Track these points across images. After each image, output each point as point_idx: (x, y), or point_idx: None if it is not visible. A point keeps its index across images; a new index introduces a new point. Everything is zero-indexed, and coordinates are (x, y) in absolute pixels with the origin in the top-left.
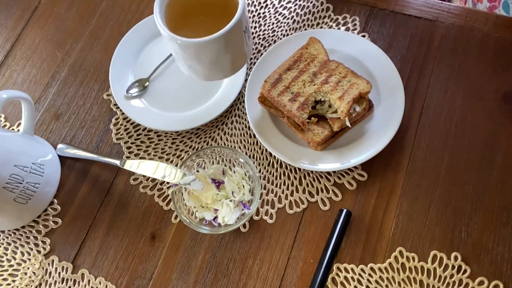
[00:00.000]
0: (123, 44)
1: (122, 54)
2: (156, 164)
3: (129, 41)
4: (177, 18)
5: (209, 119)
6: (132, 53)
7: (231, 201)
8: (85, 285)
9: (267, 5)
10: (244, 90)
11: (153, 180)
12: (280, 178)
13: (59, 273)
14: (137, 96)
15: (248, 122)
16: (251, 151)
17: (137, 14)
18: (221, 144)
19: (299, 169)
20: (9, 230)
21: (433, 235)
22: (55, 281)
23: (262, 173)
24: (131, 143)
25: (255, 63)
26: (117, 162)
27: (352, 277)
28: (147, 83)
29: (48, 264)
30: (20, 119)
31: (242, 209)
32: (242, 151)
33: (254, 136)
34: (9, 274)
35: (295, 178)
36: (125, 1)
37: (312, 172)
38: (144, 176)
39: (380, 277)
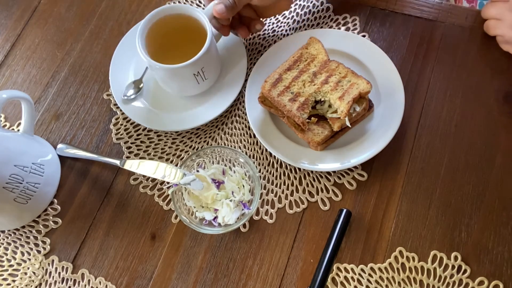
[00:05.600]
0: (123, 44)
1: (122, 54)
2: (156, 164)
3: (129, 41)
4: (156, 46)
5: (209, 119)
6: (132, 53)
7: (231, 201)
8: (85, 285)
9: None
10: (244, 90)
11: (153, 180)
12: (280, 178)
13: (59, 273)
14: (134, 98)
15: (248, 122)
16: (251, 151)
17: (137, 14)
18: (221, 144)
19: (299, 169)
20: (9, 230)
21: (433, 235)
22: (55, 281)
23: (262, 173)
24: (131, 143)
25: (255, 63)
26: (117, 162)
27: (352, 277)
28: (141, 84)
29: (48, 264)
30: (20, 119)
31: (242, 209)
32: (242, 151)
33: (254, 136)
34: (9, 274)
35: (295, 178)
36: (125, 1)
37: (312, 172)
38: (144, 176)
39: (380, 277)
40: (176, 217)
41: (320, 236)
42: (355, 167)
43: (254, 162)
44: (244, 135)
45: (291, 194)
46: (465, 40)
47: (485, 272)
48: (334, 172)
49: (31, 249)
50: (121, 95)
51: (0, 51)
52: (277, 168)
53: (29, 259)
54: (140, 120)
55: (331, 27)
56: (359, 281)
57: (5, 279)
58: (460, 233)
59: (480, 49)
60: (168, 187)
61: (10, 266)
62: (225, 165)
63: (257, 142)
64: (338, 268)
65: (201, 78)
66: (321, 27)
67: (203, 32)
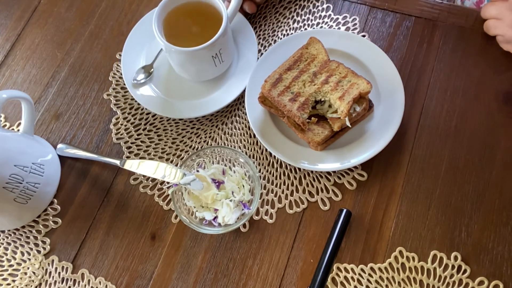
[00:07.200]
0: (136, 29)
1: (135, 40)
2: (156, 164)
3: (143, 27)
4: (171, 31)
5: (220, 107)
6: (145, 39)
7: (231, 201)
8: (85, 285)
9: (267, 5)
10: (245, 90)
11: (153, 180)
12: (280, 178)
13: (59, 273)
14: (144, 83)
15: (248, 122)
16: (251, 151)
17: (137, 14)
18: (221, 144)
19: (299, 169)
20: (9, 230)
21: (433, 235)
22: (55, 281)
23: (262, 173)
24: (131, 143)
25: None
26: (117, 162)
27: (352, 277)
28: (152, 69)
29: (48, 264)
30: (20, 119)
31: (242, 209)
32: (242, 151)
33: (254, 136)
34: (9, 274)
35: (295, 178)
36: (125, 1)
37: (312, 172)
38: (144, 176)
39: (380, 277)
40: (176, 217)
41: (320, 236)
42: (355, 167)
43: (254, 162)
44: (244, 135)
45: (291, 194)
46: (465, 40)
47: (485, 272)
48: (334, 172)
49: (31, 249)
50: (131, 79)
51: (0, 51)
52: (277, 168)
53: (29, 259)
54: (149, 106)
55: (331, 27)
56: (359, 281)
57: (5, 279)
58: (460, 233)
59: (480, 49)
60: (168, 187)
61: (10, 266)
62: (225, 165)
63: (257, 142)
64: (338, 268)
65: (219, 61)
66: (321, 27)
67: (217, 15)
